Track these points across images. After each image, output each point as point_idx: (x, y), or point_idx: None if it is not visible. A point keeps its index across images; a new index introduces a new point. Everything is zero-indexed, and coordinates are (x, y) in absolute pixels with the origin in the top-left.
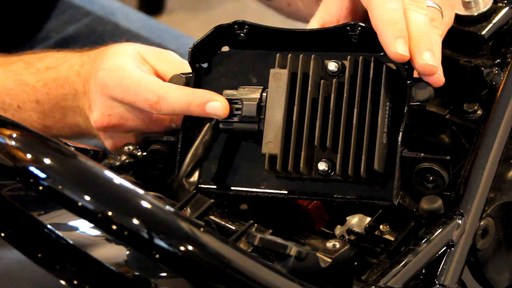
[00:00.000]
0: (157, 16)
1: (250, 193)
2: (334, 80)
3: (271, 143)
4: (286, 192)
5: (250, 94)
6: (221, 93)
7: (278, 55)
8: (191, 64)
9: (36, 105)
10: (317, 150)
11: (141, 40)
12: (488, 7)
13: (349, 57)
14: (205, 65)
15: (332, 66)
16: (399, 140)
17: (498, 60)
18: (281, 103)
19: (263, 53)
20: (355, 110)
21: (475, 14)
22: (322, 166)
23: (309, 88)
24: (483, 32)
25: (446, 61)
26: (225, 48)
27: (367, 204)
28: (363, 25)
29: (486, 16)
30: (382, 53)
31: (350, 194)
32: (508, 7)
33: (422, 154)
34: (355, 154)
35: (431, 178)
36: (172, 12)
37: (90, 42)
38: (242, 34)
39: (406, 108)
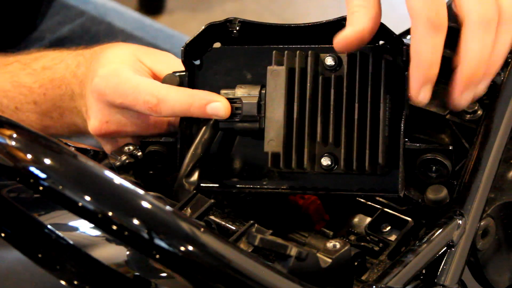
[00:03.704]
0: (157, 16)
1: (252, 189)
2: (332, 74)
3: (273, 141)
4: (288, 187)
5: (248, 92)
6: (217, 91)
7: (274, 52)
8: (184, 63)
9: (34, 106)
10: (319, 145)
11: (135, 40)
12: None
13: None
14: (197, 62)
15: (329, 60)
16: (402, 131)
17: None
18: (281, 100)
19: (257, 49)
20: (356, 104)
21: None
22: (325, 161)
23: (308, 83)
24: None
25: (446, 61)
26: (217, 44)
27: (372, 196)
28: None
29: None
30: (376, 44)
31: (355, 188)
32: None
33: (425, 145)
34: (358, 148)
35: (434, 168)
36: (172, 12)
37: (84, 42)
38: (234, 31)
39: (406, 98)
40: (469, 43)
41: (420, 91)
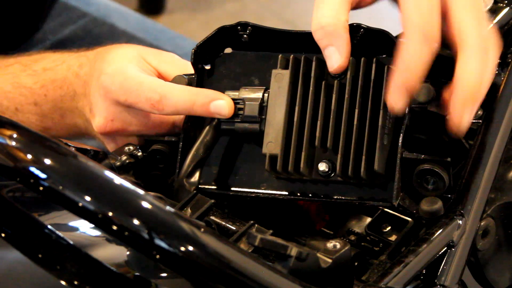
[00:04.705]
0: (157, 17)
1: (250, 193)
2: (336, 81)
3: (272, 143)
4: (286, 193)
5: (252, 94)
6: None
7: (280, 56)
8: (194, 65)
9: (35, 107)
10: (317, 150)
11: (138, 41)
12: (488, 7)
13: (350, 59)
14: (207, 66)
15: None
16: (400, 141)
17: (498, 60)
18: (283, 103)
19: (266, 55)
20: (356, 110)
21: None
22: (322, 166)
23: (311, 88)
24: None
25: (446, 61)
26: (228, 50)
27: (366, 205)
28: (366, 26)
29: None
30: (384, 55)
31: (350, 195)
32: (508, 7)
33: (423, 156)
34: (355, 154)
35: (432, 180)
36: (172, 12)
37: (86, 44)
38: (245, 35)
39: (407, 109)
40: (469, 64)
41: (399, 98)
